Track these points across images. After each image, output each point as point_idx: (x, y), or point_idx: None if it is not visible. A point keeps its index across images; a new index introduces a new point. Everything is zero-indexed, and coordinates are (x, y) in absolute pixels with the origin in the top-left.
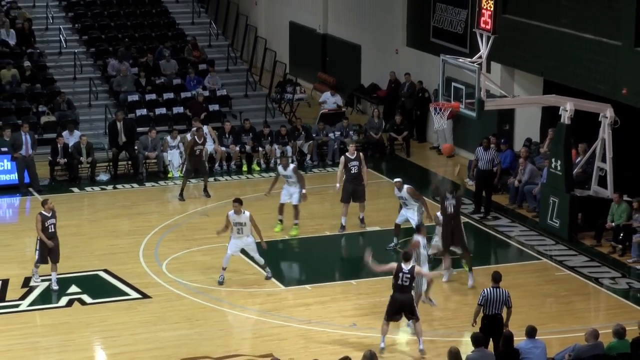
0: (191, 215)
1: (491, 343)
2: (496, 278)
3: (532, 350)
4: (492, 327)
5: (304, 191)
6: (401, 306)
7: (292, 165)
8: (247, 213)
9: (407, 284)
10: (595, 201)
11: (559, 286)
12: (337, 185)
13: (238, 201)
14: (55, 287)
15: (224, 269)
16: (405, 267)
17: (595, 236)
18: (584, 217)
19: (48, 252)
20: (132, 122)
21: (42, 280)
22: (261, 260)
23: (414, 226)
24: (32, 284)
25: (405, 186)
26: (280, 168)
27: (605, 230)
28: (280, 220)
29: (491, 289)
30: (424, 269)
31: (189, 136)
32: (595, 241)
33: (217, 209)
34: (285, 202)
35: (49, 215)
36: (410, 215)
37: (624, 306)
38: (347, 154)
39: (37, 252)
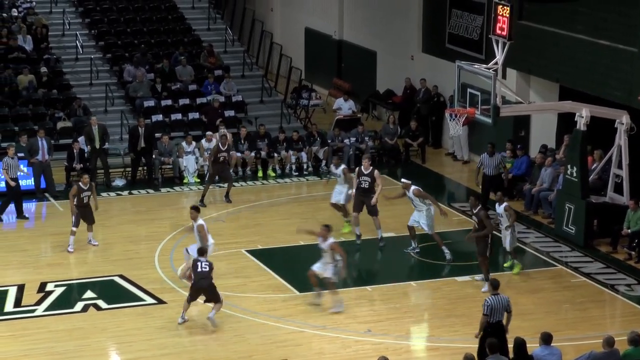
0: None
1: None
2: (495, 285)
3: (548, 357)
4: (496, 335)
5: (350, 191)
6: (201, 291)
7: (342, 166)
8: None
9: (207, 269)
10: (611, 208)
11: (575, 293)
12: (351, 191)
13: (195, 209)
14: (94, 242)
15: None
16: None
17: (611, 243)
18: (599, 223)
19: (82, 217)
20: (152, 128)
21: (57, 286)
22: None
23: (427, 231)
24: (69, 249)
25: (412, 187)
26: (332, 167)
27: (621, 237)
28: (348, 221)
29: (493, 297)
30: None
31: (204, 142)
32: (611, 248)
33: (233, 214)
34: (336, 201)
35: (86, 188)
36: (419, 218)
37: None
38: (361, 167)
39: (73, 217)
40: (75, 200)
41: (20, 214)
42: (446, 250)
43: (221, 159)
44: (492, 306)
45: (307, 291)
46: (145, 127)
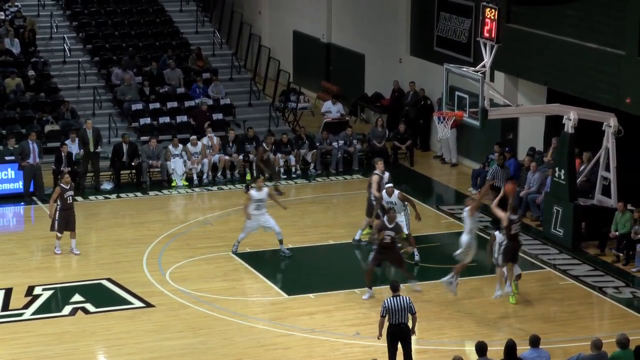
0: (194, 224)
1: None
2: (395, 287)
3: (536, 359)
4: (398, 336)
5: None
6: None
7: (396, 192)
8: (266, 189)
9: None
10: (599, 210)
11: (563, 295)
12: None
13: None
14: (76, 252)
15: (238, 241)
16: None
17: (599, 245)
18: (587, 226)
19: (66, 222)
20: (135, 145)
21: (44, 290)
22: (280, 235)
23: (406, 231)
24: (56, 251)
25: (396, 192)
26: (384, 196)
27: (609, 239)
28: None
29: (391, 298)
30: None
31: (190, 146)
32: (599, 250)
33: (221, 217)
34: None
35: (67, 187)
36: (399, 219)
37: (628, 315)
38: (378, 172)
39: (57, 222)
40: (60, 202)
41: None
42: (416, 253)
43: (266, 157)
44: (388, 308)
45: (295, 294)
46: (129, 144)
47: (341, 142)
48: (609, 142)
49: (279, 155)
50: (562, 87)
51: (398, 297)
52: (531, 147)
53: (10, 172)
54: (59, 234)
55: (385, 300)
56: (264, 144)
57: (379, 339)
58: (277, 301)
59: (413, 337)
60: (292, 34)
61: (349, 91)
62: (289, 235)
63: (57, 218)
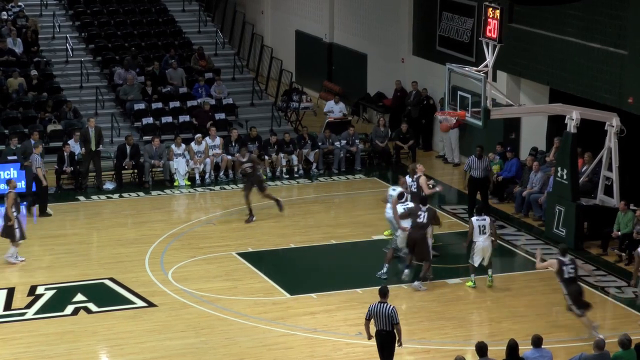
0: (197, 224)
1: None
2: (383, 292)
3: (539, 359)
4: (380, 342)
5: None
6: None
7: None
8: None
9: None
10: (601, 210)
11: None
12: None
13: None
14: (21, 258)
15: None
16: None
17: (601, 245)
18: (590, 226)
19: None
20: (138, 146)
21: (47, 290)
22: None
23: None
24: (19, 260)
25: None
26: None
27: (611, 239)
28: None
29: (376, 304)
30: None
31: (193, 145)
32: (601, 250)
33: (224, 217)
34: None
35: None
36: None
37: (630, 315)
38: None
39: (17, 230)
40: (15, 209)
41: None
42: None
43: (248, 170)
44: (372, 312)
45: (297, 294)
46: (132, 146)
47: (343, 142)
48: (611, 142)
49: (281, 155)
50: (565, 87)
51: (382, 304)
52: (533, 147)
53: (13, 172)
54: (21, 241)
55: (371, 305)
56: (239, 156)
57: (369, 340)
58: (279, 301)
59: (399, 348)
60: (295, 33)
61: (351, 91)
62: (291, 235)
63: (17, 226)
